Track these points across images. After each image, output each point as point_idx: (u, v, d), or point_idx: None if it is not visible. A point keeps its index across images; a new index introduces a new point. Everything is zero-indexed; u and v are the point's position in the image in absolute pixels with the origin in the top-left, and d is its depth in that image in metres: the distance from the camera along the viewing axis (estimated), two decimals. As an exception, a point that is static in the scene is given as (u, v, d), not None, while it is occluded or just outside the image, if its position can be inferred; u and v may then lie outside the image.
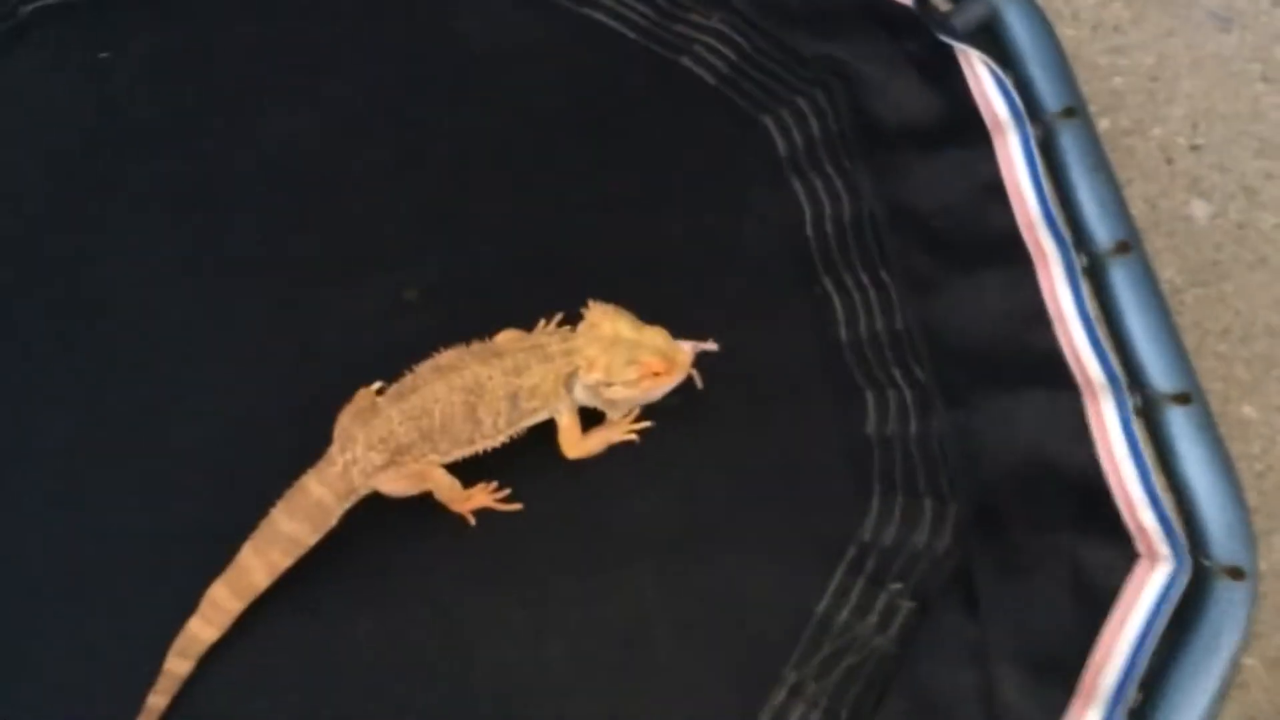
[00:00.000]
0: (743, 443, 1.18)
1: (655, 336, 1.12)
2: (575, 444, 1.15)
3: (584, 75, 1.33)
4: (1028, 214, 1.25)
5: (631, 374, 1.10)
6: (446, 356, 1.12)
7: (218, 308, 1.19)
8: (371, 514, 1.11)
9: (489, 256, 1.25)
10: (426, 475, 1.10)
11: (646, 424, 1.17)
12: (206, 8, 1.34)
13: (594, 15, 1.35)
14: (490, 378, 1.10)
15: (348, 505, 1.10)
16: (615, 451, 1.16)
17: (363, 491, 1.10)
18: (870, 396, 1.20)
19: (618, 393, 1.12)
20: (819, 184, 1.29)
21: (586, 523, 1.14)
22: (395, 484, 1.10)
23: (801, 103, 1.32)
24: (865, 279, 1.25)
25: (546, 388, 1.11)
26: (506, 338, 1.15)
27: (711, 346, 1.14)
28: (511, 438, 1.14)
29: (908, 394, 1.20)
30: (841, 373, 1.21)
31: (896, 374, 1.21)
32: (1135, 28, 1.82)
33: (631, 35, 1.35)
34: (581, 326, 1.14)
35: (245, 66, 1.32)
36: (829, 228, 1.27)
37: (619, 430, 1.17)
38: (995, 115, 1.29)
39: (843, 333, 1.23)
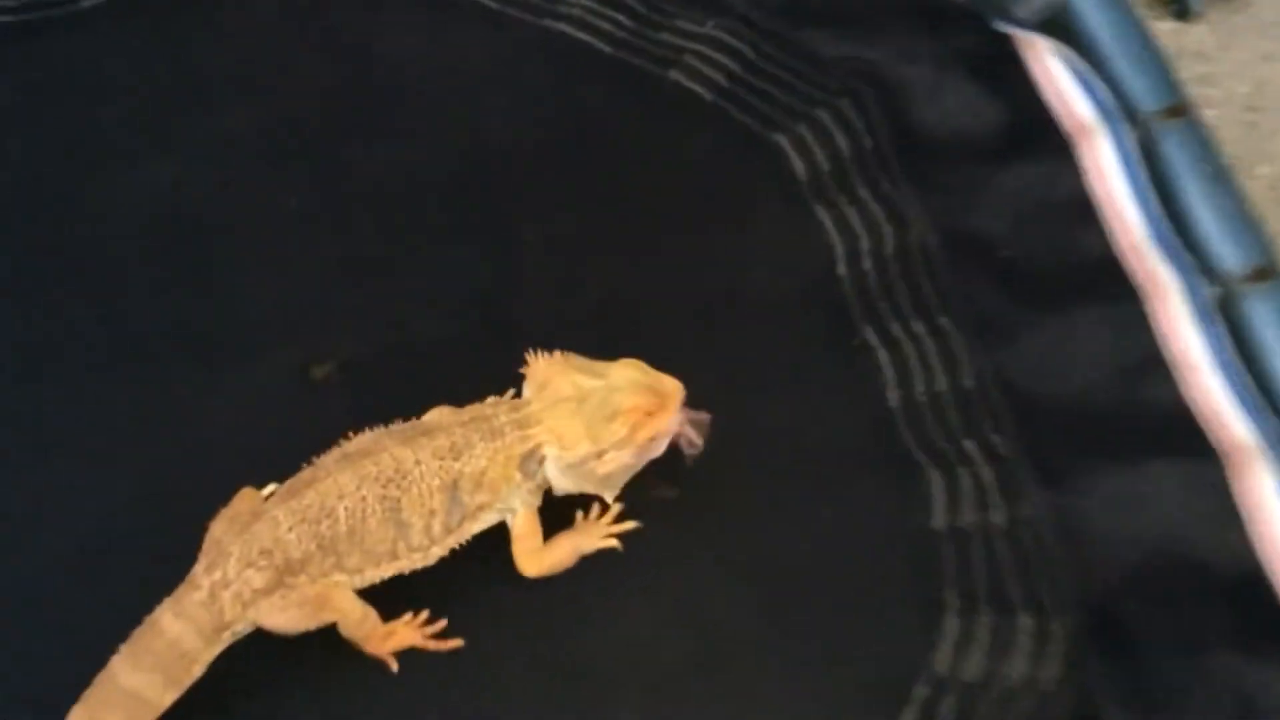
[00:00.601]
0: (765, 545, 0.88)
1: (625, 371, 0.83)
2: (535, 555, 0.84)
3: (546, 98, 1.06)
4: (1131, 236, 0.96)
5: (620, 430, 0.81)
6: (359, 441, 0.82)
7: (73, 392, 0.94)
8: (260, 656, 0.80)
9: (422, 323, 0.96)
10: (328, 602, 0.80)
11: (630, 524, 0.87)
12: (69, 38, 1.07)
13: (557, 27, 1.09)
14: (418, 463, 0.80)
15: (219, 648, 0.79)
16: (592, 563, 0.85)
17: (240, 627, 0.79)
18: (936, 477, 0.89)
19: (614, 461, 0.82)
20: (852, 212, 1.00)
21: (555, 662, 0.84)
22: (284, 615, 0.79)
23: (823, 116, 1.04)
24: (919, 327, 0.95)
25: (496, 473, 0.82)
26: (439, 414, 0.85)
27: (702, 416, 0.84)
28: (452, 550, 0.83)
29: (986, 472, 0.89)
30: (895, 447, 0.91)
31: (968, 446, 0.90)
32: (1225, 54, 1.52)
33: (606, 49, 1.08)
34: (529, 389, 0.84)
35: (114, 104, 1.05)
36: (867, 264, 0.98)
37: (593, 535, 0.86)
38: (1076, 117, 1.01)
39: (893, 396, 0.93)
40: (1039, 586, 0.85)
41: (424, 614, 0.84)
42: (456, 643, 0.83)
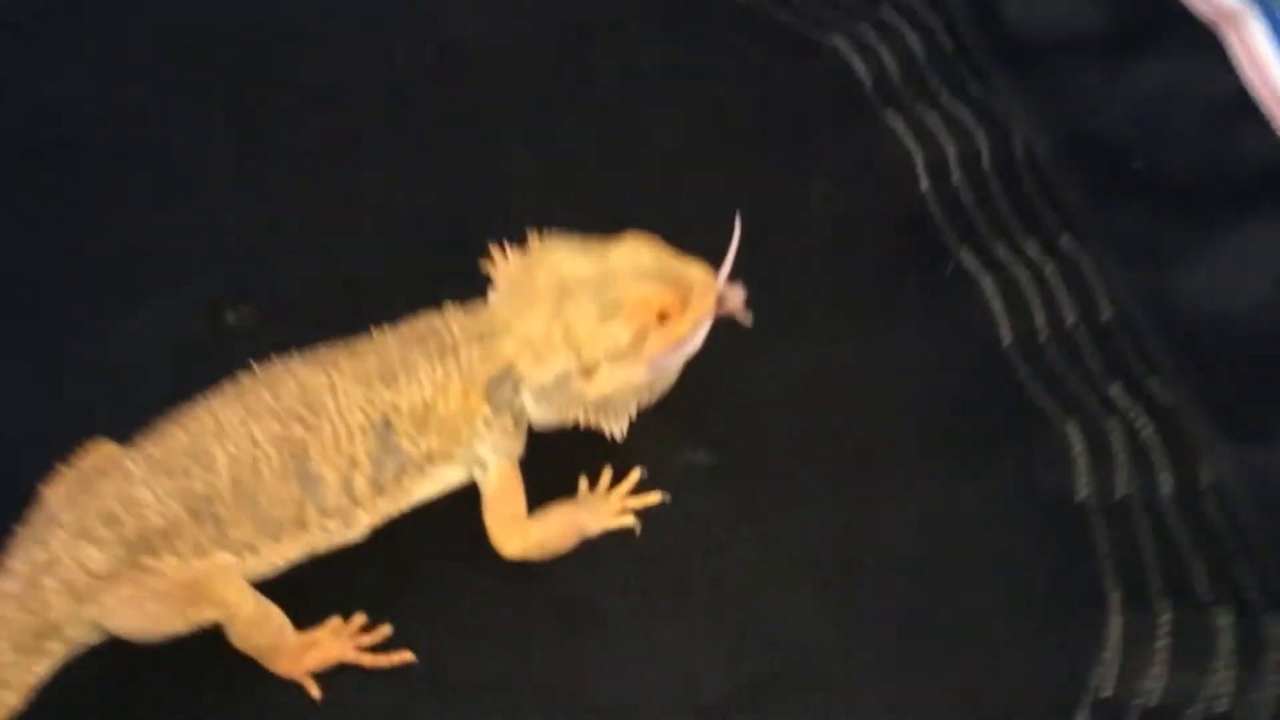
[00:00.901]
0: (844, 527, 0.63)
1: (632, 251, 0.58)
2: (517, 527, 0.59)
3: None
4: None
5: (619, 333, 0.56)
6: (262, 371, 0.58)
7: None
8: (112, 676, 0.55)
9: (366, 257, 0.72)
10: (204, 592, 0.55)
11: (654, 497, 0.62)
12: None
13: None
14: (333, 390, 0.56)
15: (45, 666, 0.54)
16: (601, 549, 0.60)
17: (74, 632, 0.55)
18: (1074, 432, 0.65)
19: (610, 379, 0.57)
20: (932, 117, 0.77)
21: (549, 688, 0.58)
22: (140, 613, 0.55)
23: (888, 13, 0.81)
24: (1033, 248, 0.71)
25: (450, 407, 0.57)
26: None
27: (738, 295, 0.59)
28: (390, 520, 0.58)
29: (1144, 425, 0.64)
30: (1013, 395, 0.67)
31: (1116, 393, 0.66)
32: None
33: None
34: (498, 293, 0.60)
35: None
36: (957, 176, 0.75)
37: (602, 511, 0.61)
38: (1214, 2, 0.78)
39: (1005, 332, 0.69)
40: (1238, 573, 0.60)
41: (358, 618, 0.58)
42: (405, 656, 0.58)
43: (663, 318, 0.57)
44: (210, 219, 0.73)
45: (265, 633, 0.55)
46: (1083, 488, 0.63)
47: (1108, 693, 0.57)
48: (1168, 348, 0.67)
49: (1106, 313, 0.68)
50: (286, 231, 0.73)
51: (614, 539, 0.61)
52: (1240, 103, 0.76)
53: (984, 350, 0.68)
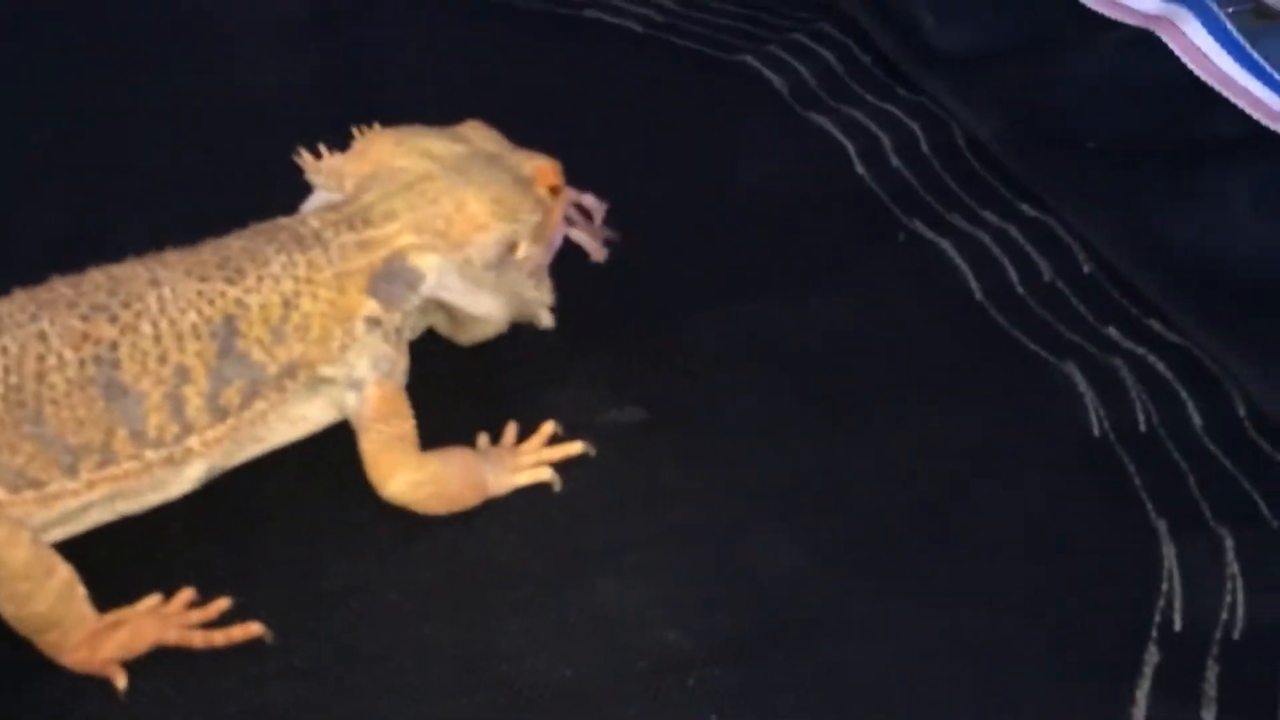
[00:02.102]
0: (827, 465, 0.51)
1: (486, 133, 0.51)
2: (399, 459, 0.45)
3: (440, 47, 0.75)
4: (1269, 105, 0.66)
5: (543, 199, 0.49)
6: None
7: None
8: None
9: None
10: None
11: (577, 446, 0.49)
12: None
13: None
14: (157, 283, 0.43)
15: None
16: (516, 509, 0.47)
17: None
18: (1075, 372, 0.54)
19: (530, 257, 0.49)
20: (859, 114, 0.69)
21: (442, 663, 0.42)
22: None
23: (800, 37, 0.75)
24: (991, 215, 0.62)
25: (320, 303, 0.45)
26: None
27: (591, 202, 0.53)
28: (230, 464, 0.45)
29: (1156, 362, 0.54)
30: (998, 342, 0.56)
31: (1113, 334, 0.55)
32: None
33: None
34: (342, 189, 0.48)
35: None
36: (895, 162, 0.66)
37: (511, 465, 0.48)
38: (1138, 11, 0.73)
39: (975, 286, 0.58)
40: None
41: (184, 593, 0.43)
42: (252, 629, 0.43)
43: (554, 192, 0.50)
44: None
45: (47, 596, 0.40)
46: (1096, 423, 0.51)
47: (1178, 626, 0.44)
48: (1165, 293, 0.57)
49: (1087, 266, 0.59)
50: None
51: (525, 496, 0.47)
52: (1187, 84, 0.70)
53: (954, 301, 0.57)
